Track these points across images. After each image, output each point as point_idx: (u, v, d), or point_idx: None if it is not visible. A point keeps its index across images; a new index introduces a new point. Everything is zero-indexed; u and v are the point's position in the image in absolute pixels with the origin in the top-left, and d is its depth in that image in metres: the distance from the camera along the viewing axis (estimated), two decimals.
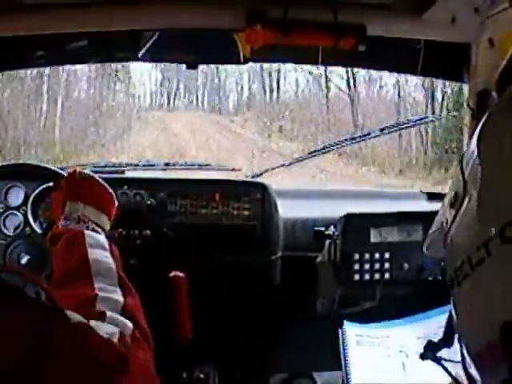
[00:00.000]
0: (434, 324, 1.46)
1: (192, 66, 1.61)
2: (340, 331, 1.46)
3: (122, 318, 0.97)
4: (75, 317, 0.79)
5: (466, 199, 0.69)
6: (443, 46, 1.44)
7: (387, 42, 1.45)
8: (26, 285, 0.76)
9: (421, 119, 2.23)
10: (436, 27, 1.35)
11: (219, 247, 1.86)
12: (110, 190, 1.37)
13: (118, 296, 1.04)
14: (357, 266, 1.59)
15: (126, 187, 1.83)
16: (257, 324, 1.98)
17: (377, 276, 1.60)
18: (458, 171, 0.73)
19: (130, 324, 0.96)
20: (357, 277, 1.59)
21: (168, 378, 1.11)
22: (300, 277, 1.79)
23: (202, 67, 1.61)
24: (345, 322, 1.47)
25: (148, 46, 1.49)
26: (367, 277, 1.59)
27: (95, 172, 2.06)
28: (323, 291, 1.67)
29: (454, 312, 0.74)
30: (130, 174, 2.13)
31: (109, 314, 0.96)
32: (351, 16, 1.33)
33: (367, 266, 1.59)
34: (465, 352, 0.71)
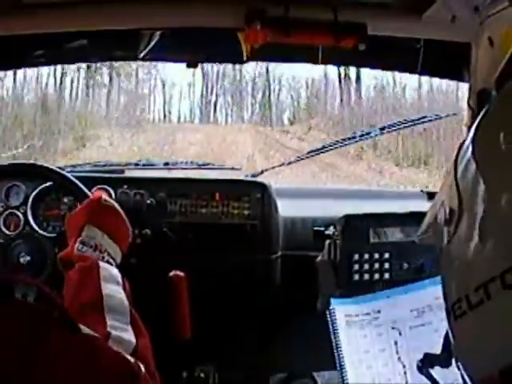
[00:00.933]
0: (429, 295, 1.43)
1: (192, 64, 1.61)
2: (328, 313, 1.42)
3: (133, 360, 0.95)
4: (86, 330, 0.79)
5: (465, 220, 0.65)
6: (443, 45, 1.44)
7: (387, 41, 1.45)
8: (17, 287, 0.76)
9: (421, 118, 2.23)
10: (436, 26, 1.35)
11: (219, 246, 1.86)
12: (129, 225, 1.36)
13: (130, 336, 1.03)
14: (356, 266, 1.59)
15: (125, 187, 1.83)
16: (257, 323, 1.98)
17: (376, 276, 1.60)
18: (452, 181, 0.69)
19: (141, 366, 0.95)
20: (356, 277, 1.59)
21: (168, 377, 1.11)
22: (300, 276, 1.79)
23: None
24: (332, 300, 1.43)
25: (148, 44, 1.49)
26: (367, 277, 1.59)
27: (96, 171, 2.08)
28: (323, 291, 1.67)
29: (451, 336, 0.72)
30: (129, 173, 2.14)
31: (122, 355, 0.94)
32: (351, 15, 1.33)
33: (367, 266, 1.59)
34: (464, 375, 0.70)
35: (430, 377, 0.92)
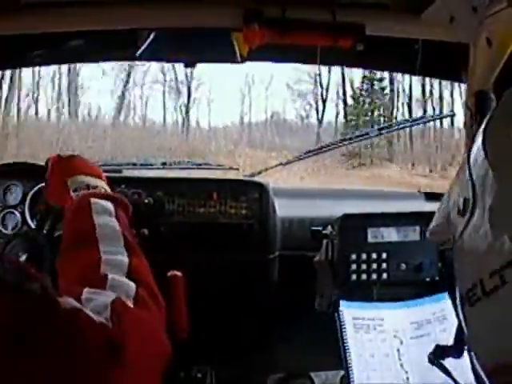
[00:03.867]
0: (427, 311, 1.46)
1: (190, 64, 1.61)
2: (336, 314, 1.45)
3: (125, 280, 0.97)
4: (67, 303, 0.78)
5: (478, 209, 0.66)
6: (441, 46, 1.44)
7: (385, 41, 1.45)
8: (23, 277, 0.76)
9: (418, 119, 2.23)
10: (434, 27, 1.35)
11: (217, 246, 1.86)
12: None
13: (124, 257, 1.04)
14: (354, 266, 1.59)
15: (123, 186, 1.82)
16: (254, 323, 1.98)
17: (374, 276, 1.60)
18: (466, 173, 0.70)
19: (132, 285, 0.97)
20: (354, 277, 1.59)
21: (165, 377, 1.11)
22: (297, 276, 1.79)
23: None
24: (341, 302, 1.47)
25: (146, 45, 1.49)
26: (364, 277, 1.59)
27: None
28: (320, 291, 1.67)
29: (464, 325, 0.72)
30: (127, 172, 2.13)
31: (110, 276, 0.97)
32: (350, 15, 1.33)
33: (364, 266, 1.59)
34: (476, 365, 0.70)
35: (442, 368, 0.92)
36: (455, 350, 0.86)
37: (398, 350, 1.42)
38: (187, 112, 12.77)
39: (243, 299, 1.88)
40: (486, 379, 0.68)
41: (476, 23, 1.18)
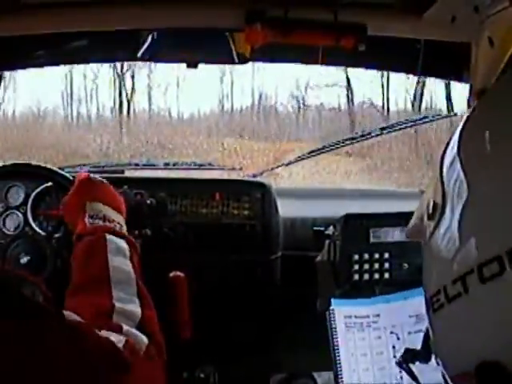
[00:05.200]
0: None
1: (192, 65, 1.61)
2: (327, 313, 1.42)
3: (138, 333, 0.96)
4: (72, 317, 0.79)
5: (448, 213, 0.66)
6: (443, 46, 1.44)
7: (387, 41, 1.45)
8: (23, 285, 0.75)
9: (421, 119, 2.23)
10: (436, 27, 1.35)
11: (219, 246, 1.86)
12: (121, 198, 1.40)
13: (136, 307, 1.03)
14: (356, 266, 1.59)
15: (125, 187, 1.82)
16: (257, 324, 1.98)
17: (376, 276, 1.60)
18: (437, 177, 0.69)
19: (145, 339, 0.96)
20: (356, 277, 1.59)
21: (168, 377, 1.11)
22: (300, 276, 1.79)
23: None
24: (332, 300, 1.43)
25: (148, 45, 1.49)
26: (366, 277, 1.59)
27: (95, 172, 2.08)
28: (323, 291, 1.67)
29: (430, 331, 0.72)
30: (129, 173, 2.14)
31: (125, 328, 0.95)
32: (351, 15, 1.33)
33: (367, 266, 1.59)
34: (443, 371, 0.70)
35: (409, 372, 0.92)
36: (423, 355, 0.86)
37: (394, 347, 1.40)
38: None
39: (246, 299, 1.88)
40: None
41: (478, 23, 1.18)
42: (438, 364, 0.71)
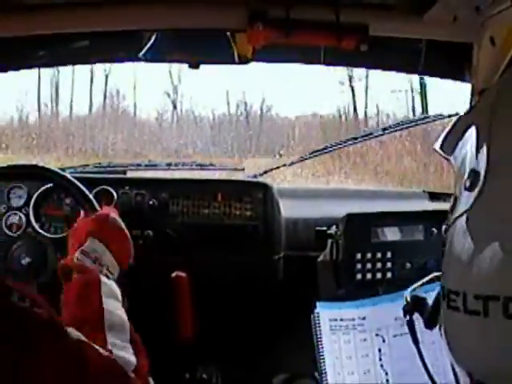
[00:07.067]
0: None
1: (194, 66, 1.61)
2: (312, 317, 1.40)
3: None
4: (75, 334, 0.78)
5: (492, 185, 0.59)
6: (445, 46, 1.44)
7: (389, 41, 1.45)
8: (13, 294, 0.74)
9: (422, 119, 2.23)
10: (438, 27, 1.35)
11: (221, 247, 1.86)
12: (132, 250, 1.36)
13: (130, 356, 1.01)
14: (359, 266, 1.59)
15: (127, 187, 1.83)
16: (259, 324, 1.98)
17: (379, 275, 1.60)
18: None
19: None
20: (359, 276, 1.59)
21: (170, 378, 1.11)
22: (302, 276, 1.79)
23: None
24: (317, 304, 1.41)
25: (149, 46, 1.49)
26: (369, 276, 1.59)
27: (97, 172, 2.08)
28: (325, 291, 1.67)
29: (442, 319, 0.70)
30: (131, 174, 2.14)
31: None
32: (353, 16, 1.33)
33: (369, 266, 1.59)
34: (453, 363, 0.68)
35: (410, 324, 0.90)
36: (430, 318, 0.80)
37: (380, 350, 1.39)
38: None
39: (248, 300, 1.88)
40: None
41: (479, 23, 1.18)
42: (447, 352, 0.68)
